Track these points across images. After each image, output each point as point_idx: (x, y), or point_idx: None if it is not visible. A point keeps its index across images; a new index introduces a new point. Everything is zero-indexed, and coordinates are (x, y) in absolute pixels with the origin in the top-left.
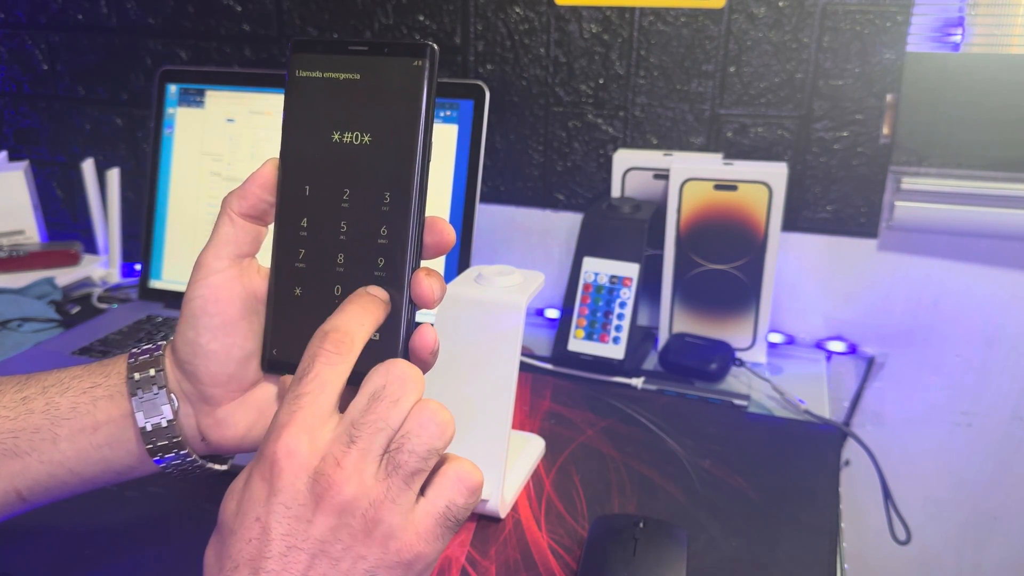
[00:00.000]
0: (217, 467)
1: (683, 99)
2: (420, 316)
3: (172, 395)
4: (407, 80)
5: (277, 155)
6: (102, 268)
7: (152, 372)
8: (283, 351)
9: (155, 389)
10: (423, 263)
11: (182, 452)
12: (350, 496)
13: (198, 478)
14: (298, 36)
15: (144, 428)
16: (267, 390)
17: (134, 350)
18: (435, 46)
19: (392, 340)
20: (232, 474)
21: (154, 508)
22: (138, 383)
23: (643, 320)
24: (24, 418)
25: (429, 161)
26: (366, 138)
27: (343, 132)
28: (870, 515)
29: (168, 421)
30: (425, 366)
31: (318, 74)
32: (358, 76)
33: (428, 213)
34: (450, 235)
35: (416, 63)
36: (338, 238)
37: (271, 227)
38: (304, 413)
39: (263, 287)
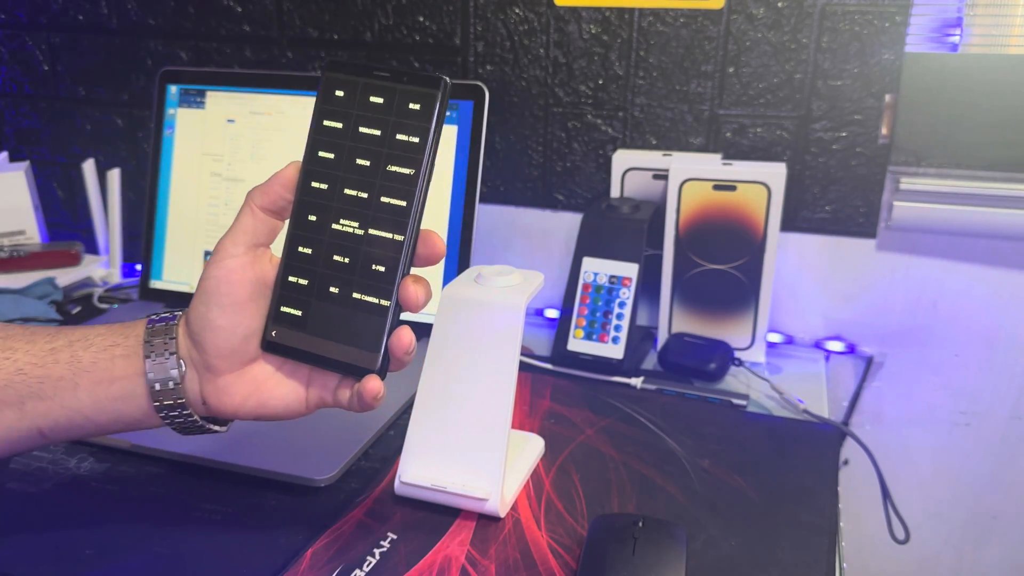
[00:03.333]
0: (217, 429)
1: (682, 99)
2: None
3: (181, 360)
4: (421, 106)
5: (300, 159)
6: (103, 268)
7: (166, 338)
8: (281, 334)
9: (167, 354)
10: (413, 270)
11: (185, 412)
12: None
13: (199, 436)
14: (332, 57)
15: (154, 387)
16: (263, 367)
17: (152, 316)
18: (448, 79)
19: (376, 337)
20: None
21: (154, 508)
22: (152, 346)
23: (642, 320)
24: (51, 367)
25: (431, 179)
26: (380, 152)
27: (360, 144)
28: (869, 514)
29: (175, 383)
30: (401, 364)
31: (345, 92)
32: (380, 99)
33: (426, 221)
34: (441, 248)
35: (430, 92)
36: (343, 239)
37: (287, 223)
38: None
39: (272, 274)
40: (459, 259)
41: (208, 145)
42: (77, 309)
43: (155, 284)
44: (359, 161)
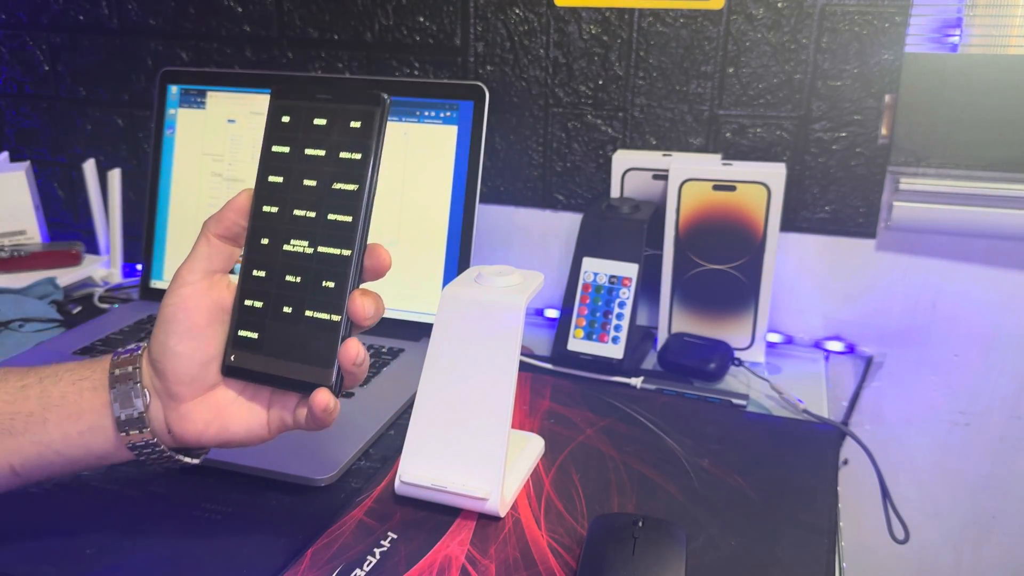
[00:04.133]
0: (189, 460)
1: (682, 100)
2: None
3: (145, 390)
4: (362, 124)
5: (252, 186)
6: (103, 268)
7: (130, 369)
8: (239, 358)
9: (131, 384)
10: (366, 285)
11: (151, 442)
12: None
13: (173, 469)
14: (278, 83)
15: (119, 417)
16: (225, 392)
17: (118, 349)
18: (387, 96)
19: (329, 353)
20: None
21: (154, 508)
22: (117, 377)
23: (642, 320)
24: (21, 403)
25: (375, 193)
26: (325, 172)
27: (307, 166)
28: (868, 514)
29: (139, 413)
30: (353, 377)
31: (291, 117)
32: (323, 120)
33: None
34: (386, 259)
35: (369, 109)
36: (294, 259)
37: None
38: None
39: (230, 300)
40: (459, 259)
41: (209, 145)
42: (78, 309)
43: (156, 284)
44: (306, 182)
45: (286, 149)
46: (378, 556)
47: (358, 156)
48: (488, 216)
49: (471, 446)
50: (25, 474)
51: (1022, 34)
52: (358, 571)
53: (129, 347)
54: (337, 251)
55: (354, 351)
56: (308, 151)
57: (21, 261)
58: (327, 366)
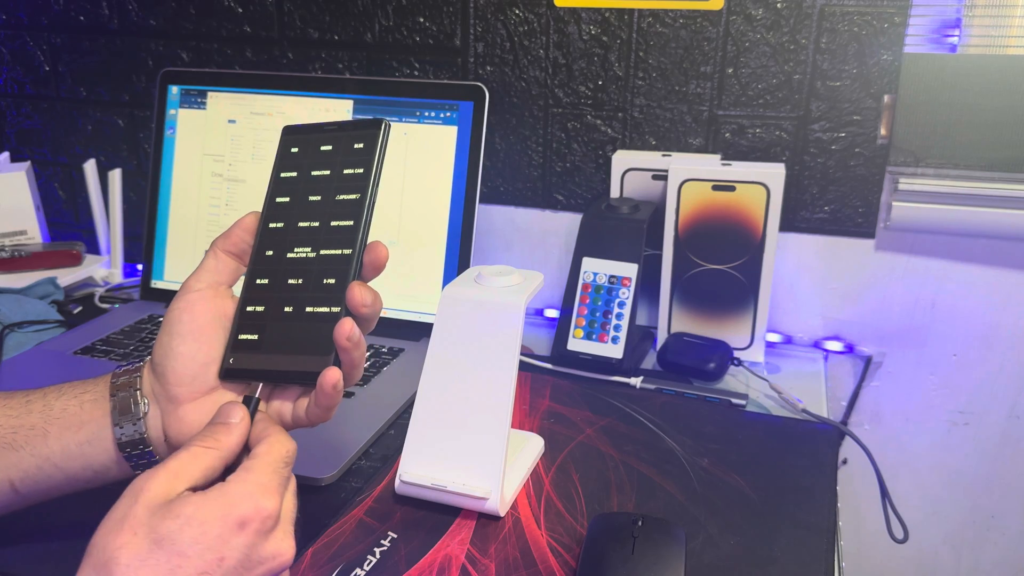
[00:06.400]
0: None
1: (681, 100)
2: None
3: (144, 398)
4: (365, 144)
5: (260, 206)
6: (104, 268)
7: (130, 377)
8: (239, 360)
9: (131, 390)
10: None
11: (147, 450)
12: None
13: None
14: (288, 124)
15: (118, 424)
16: (223, 395)
17: (121, 364)
18: (389, 122)
19: (327, 339)
20: None
21: None
22: (118, 387)
23: (642, 320)
24: (24, 417)
25: (375, 202)
26: (329, 187)
27: (313, 184)
28: (867, 514)
29: (138, 419)
30: (349, 356)
31: (299, 148)
32: (329, 146)
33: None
34: (383, 253)
35: (372, 131)
36: (297, 264)
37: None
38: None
39: (232, 309)
40: (459, 259)
41: (209, 146)
42: (78, 309)
43: (156, 284)
44: (312, 198)
45: (294, 174)
46: (378, 555)
47: (360, 170)
48: (488, 216)
49: (471, 446)
50: (25, 491)
51: (1021, 34)
52: (358, 570)
53: (130, 361)
54: (339, 251)
55: (348, 327)
56: (315, 172)
57: (22, 261)
58: (327, 353)
